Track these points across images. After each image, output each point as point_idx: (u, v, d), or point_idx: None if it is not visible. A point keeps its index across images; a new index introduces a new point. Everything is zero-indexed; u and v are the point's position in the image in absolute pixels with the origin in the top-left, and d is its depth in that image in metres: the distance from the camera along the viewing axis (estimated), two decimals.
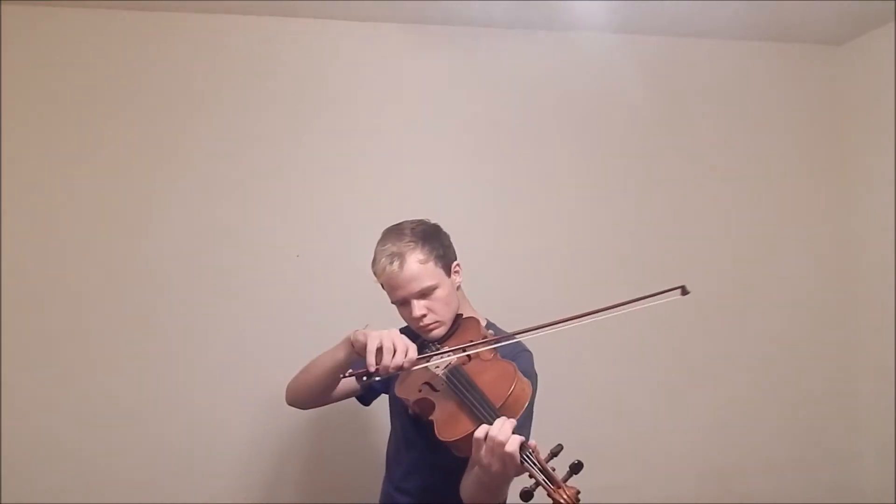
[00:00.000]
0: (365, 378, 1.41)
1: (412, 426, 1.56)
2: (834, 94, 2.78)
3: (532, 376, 1.53)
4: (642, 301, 1.48)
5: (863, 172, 2.71)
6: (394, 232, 1.57)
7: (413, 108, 2.46)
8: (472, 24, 2.47)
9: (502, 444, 1.19)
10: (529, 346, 1.60)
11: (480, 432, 1.23)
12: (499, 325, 1.67)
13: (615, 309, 1.47)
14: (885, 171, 2.60)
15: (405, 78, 2.46)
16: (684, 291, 1.46)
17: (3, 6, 2.16)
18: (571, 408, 2.49)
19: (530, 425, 1.49)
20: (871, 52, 2.64)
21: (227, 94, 2.32)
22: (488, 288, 2.35)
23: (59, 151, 2.21)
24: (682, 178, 2.65)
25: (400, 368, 1.39)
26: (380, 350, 1.38)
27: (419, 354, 1.49)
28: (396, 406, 1.66)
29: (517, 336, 1.52)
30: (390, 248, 1.52)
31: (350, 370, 1.49)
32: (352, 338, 1.48)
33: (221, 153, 2.31)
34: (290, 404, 1.70)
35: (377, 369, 1.38)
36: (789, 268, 2.72)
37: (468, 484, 1.38)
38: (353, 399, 1.74)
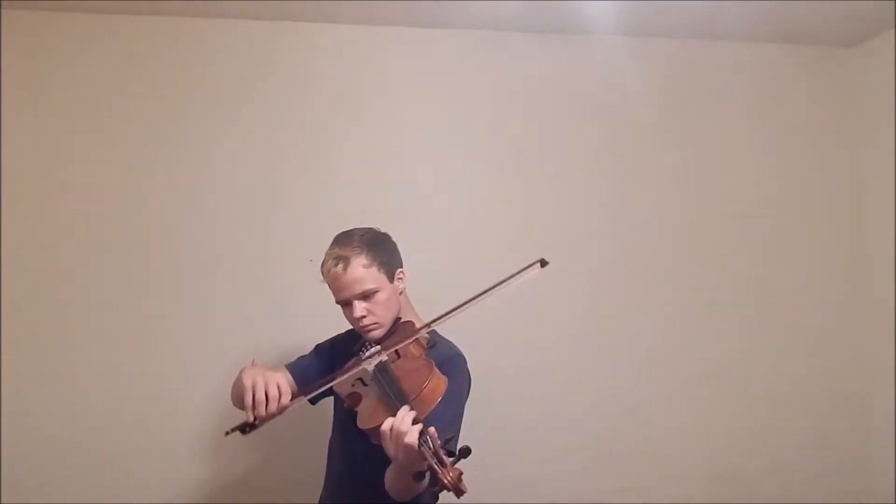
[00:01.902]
0: (247, 429, 1.51)
1: (350, 420, 1.62)
2: (844, 95, 2.75)
3: (462, 379, 1.65)
4: (508, 281, 1.53)
5: (874, 174, 2.67)
6: (343, 237, 1.69)
7: (422, 112, 2.47)
8: (481, 27, 2.47)
9: (403, 434, 1.30)
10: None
11: (386, 425, 1.35)
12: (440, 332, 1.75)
13: (484, 295, 1.55)
14: (895, 172, 2.54)
15: (414, 81, 2.46)
16: (543, 263, 1.53)
17: (3, 11, 2.19)
18: (585, 410, 2.51)
19: (459, 422, 1.61)
20: (881, 54, 2.62)
21: (230, 98, 2.33)
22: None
23: (60, 155, 2.23)
24: (693, 179, 2.62)
25: (275, 415, 1.50)
26: (253, 401, 1.47)
27: (361, 353, 1.65)
28: (338, 402, 1.77)
29: (432, 323, 1.61)
30: (337, 251, 1.64)
31: (230, 428, 1.55)
32: (239, 378, 1.57)
33: (226, 156, 2.32)
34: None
35: (254, 421, 1.49)
36: (802, 271, 2.68)
37: (388, 474, 1.50)
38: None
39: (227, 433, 1.58)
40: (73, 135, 2.25)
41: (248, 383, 1.51)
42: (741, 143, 2.66)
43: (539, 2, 2.28)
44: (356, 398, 1.59)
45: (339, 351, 1.84)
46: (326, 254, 1.68)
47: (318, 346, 1.92)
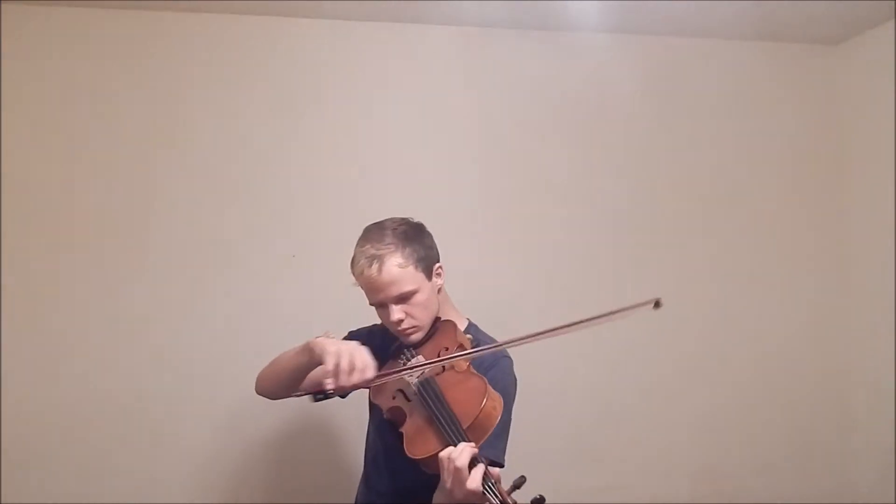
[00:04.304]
0: (320, 396, 1.41)
1: (389, 429, 1.52)
2: (830, 93, 2.75)
3: (510, 383, 1.52)
4: (617, 314, 1.40)
5: (860, 172, 2.68)
6: (375, 232, 1.52)
7: (409, 109, 2.44)
8: (466, 24, 2.45)
9: (462, 473, 1.19)
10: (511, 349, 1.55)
11: (445, 454, 1.22)
12: (481, 327, 1.64)
13: (588, 322, 1.40)
14: (883, 171, 2.56)
15: (401, 78, 2.45)
16: (657, 305, 1.36)
17: (3, 5, 2.16)
18: (565, 408, 2.49)
19: (507, 434, 1.48)
20: (868, 51, 2.62)
21: (226, 94, 2.32)
22: (483, 290, 2.32)
23: (59, 151, 2.23)
24: (679, 178, 2.63)
25: (357, 387, 1.38)
26: (336, 368, 1.34)
27: (395, 357, 1.54)
28: (375, 407, 1.63)
29: (488, 348, 1.48)
30: (370, 249, 1.47)
31: (304, 389, 1.50)
32: (311, 346, 1.45)
33: (221, 153, 2.32)
34: (258, 394, 1.70)
35: (334, 389, 1.37)
36: (784, 268, 2.70)
37: (437, 498, 1.38)
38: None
39: (295, 395, 1.53)
40: (73, 130, 2.25)
41: (331, 348, 1.38)
42: (726, 141, 2.67)
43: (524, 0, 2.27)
44: (398, 414, 1.46)
45: (376, 345, 1.61)
46: (357, 251, 1.51)
47: (351, 333, 1.73)
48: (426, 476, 1.33)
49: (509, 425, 1.49)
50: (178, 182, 2.30)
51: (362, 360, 1.36)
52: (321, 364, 1.40)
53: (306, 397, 1.55)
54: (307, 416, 2.32)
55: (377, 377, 1.41)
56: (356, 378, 1.35)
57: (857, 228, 2.69)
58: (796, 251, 2.70)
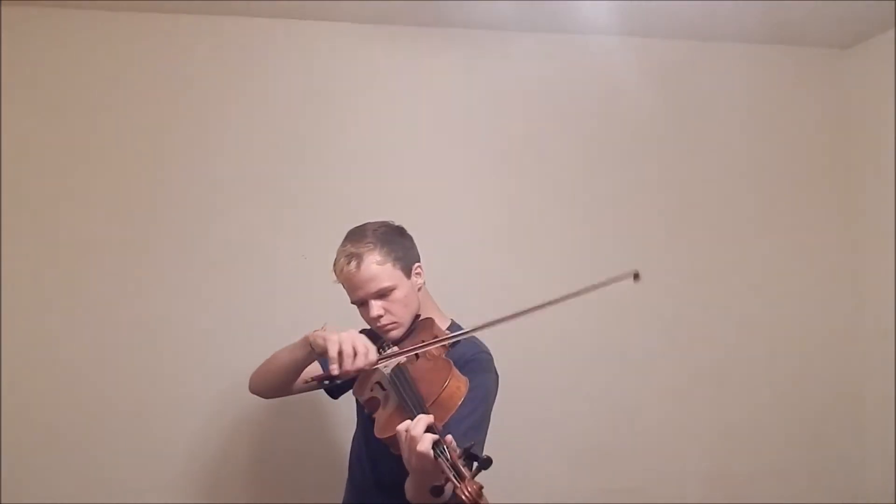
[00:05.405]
0: (327, 382, 1.47)
1: (370, 423, 1.53)
2: (840, 97, 2.74)
3: (489, 375, 1.56)
4: (596, 288, 1.43)
5: (869, 176, 2.66)
6: (356, 233, 1.59)
7: (418, 111, 2.43)
8: (476, 26, 2.45)
9: (415, 440, 1.21)
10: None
11: (401, 427, 1.26)
12: (463, 326, 1.64)
13: (569, 298, 1.42)
14: (891, 175, 2.54)
15: (410, 81, 2.43)
16: (636, 277, 1.42)
17: (3, 6, 2.16)
18: (580, 411, 2.49)
19: (485, 426, 1.50)
20: (878, 55, 2.60)
21: (230, 96, 2.30)
22: (490, 291, 2.34)
23: (60, 152, 2.21)
24: (688, 181, 2.62)
25: (360, 370, 1.42)
26: (340, 354, 1.39)
27: (380, 353, 1.52)
28: (359, 404, 1.67)
29: (467, 333, 1.50)
30: (349, 248, 1.54)
31: (311, 376, 1.54)
32: (311, 339, 1.50)
33: (225, 154, 2.30)
34: (252, 393, 1.75)
35: (339, 374, 1.41)
36: (796, 271, 2.69)
37: (407, 484, 1.39)
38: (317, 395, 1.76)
39: (307, 382, 1.56)
40: (74, 131, 2.23)
41: (333, 336, 1.43)
42: (736, 145, 2.66)
43: (533, 1, 2.25)
44: (374, 403, 1.50)
45: None
46: (338, 251, 1.59)
47: None
48: (405, 468, 1.34)
49: (488, 421, 1.52)
50: (180, 183, 2.27)
51: (364, 345, 1.42)
52: (322, 355, 1.46)
53: (312, 387, 1.60)
54: (313, 418, 2.31)
55: (380, 360, 1.46)
56: (360, 362, 1.40)
57: (868, 233, 2.66)
58: (807, 255, 2.69)
